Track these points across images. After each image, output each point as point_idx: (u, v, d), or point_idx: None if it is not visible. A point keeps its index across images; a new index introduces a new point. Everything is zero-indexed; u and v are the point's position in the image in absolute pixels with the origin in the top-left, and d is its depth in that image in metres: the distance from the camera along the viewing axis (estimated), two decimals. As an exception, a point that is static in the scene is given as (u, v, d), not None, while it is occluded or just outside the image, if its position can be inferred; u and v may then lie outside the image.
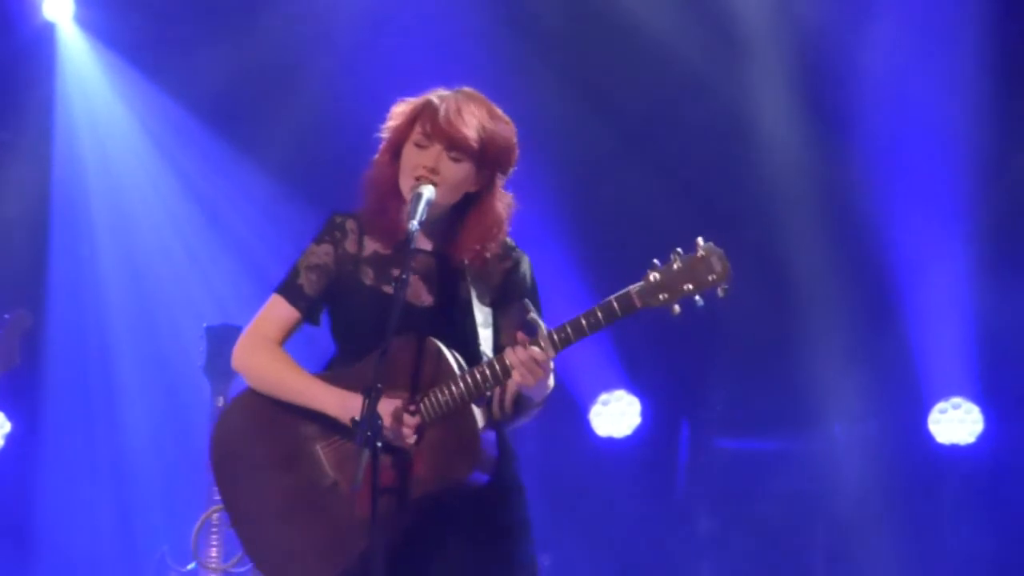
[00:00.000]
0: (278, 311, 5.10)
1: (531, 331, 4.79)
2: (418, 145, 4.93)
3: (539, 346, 4.75)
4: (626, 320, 4.79)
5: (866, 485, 9.26)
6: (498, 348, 4.93)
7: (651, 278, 4.75)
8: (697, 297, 4.72)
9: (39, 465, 9.69)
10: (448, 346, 4.90)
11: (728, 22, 9.16)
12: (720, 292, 4.72)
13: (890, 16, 9.06)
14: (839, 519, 9.30)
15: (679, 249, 4.74)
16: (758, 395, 9.42)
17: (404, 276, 4.76)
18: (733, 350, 9.44)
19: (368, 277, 5.04)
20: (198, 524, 7.42)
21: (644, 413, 9.65)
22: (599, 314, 4.76)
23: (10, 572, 9.51)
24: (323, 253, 5.09)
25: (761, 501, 9.42)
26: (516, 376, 4.77)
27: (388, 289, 4.98)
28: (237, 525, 5.03)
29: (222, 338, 8.62)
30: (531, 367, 4.75)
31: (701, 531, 9.53)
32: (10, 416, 9.64)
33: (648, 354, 9.51)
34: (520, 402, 4.94)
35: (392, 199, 4.98)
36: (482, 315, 5.00)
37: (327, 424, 4.92)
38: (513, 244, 5.10)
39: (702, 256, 4.73)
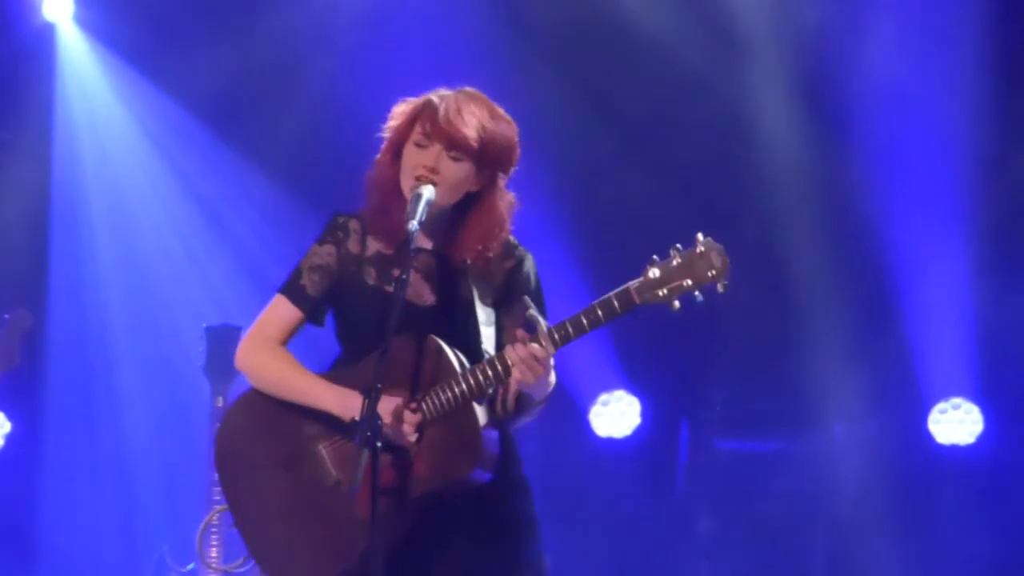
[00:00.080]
0: (281, 311, 5.11)
1: (531, 328, 4.79)
2: (418, 145, 4.94)
3: (539, 343, 4.75)
4: (626, 319, 4.79)
5: (866, 485, 9.26)
6: (501, 347, 4.93)
7: (650, 274, 4.74)
8: (696, 293, 4.72)
9: (39, 465, 9.68)
10: (450, 345, 4.91)
11: (728, 22, 9.16)
12: (720, 288, 4.71)
13: (890, 16, 9.05)
14: (839, 519, 9.30)
15: (678, 245, 4.74)
16: (758, 395, 9.41)
17: (404, 276, 4.77)
18: (733, 350, 9.44)
19: (371, 277, 5.06)
20: (202, 525, 7.41)
21: (644, 413, 9.65)
22: (598, 311, 4.76)
23: (10, 572, 9.50)
24: (325, 254, 5.10)
25: (761, 501, 9.42)
26: (516, 373, 4.77)
27: (390, 289, 4.99)
28: (240, 525, 5.04)
29: (222, 338, 8.63)
30: (531, 364, 4.76)
31: (701, 531, 9.52)
32: (10, 416, 9.64)
33: (648, 354, 9.51)
34: (522, 400, 4.94)
35: (393, 199, 4.98)
36: (484, 314, 5.01)
37: (330, 423, 4.93)
38: (516, 243, 5.11)
39: (701, 252, 4.72)
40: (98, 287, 9.69)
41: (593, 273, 8.83)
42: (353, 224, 5.10)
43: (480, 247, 5.00)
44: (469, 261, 5.01)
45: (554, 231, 8.93)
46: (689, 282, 4.71)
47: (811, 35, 9.12)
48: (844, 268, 9.21)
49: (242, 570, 5.21)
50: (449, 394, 4.84)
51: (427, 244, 5.03)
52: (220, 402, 8.58)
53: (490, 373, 4.82)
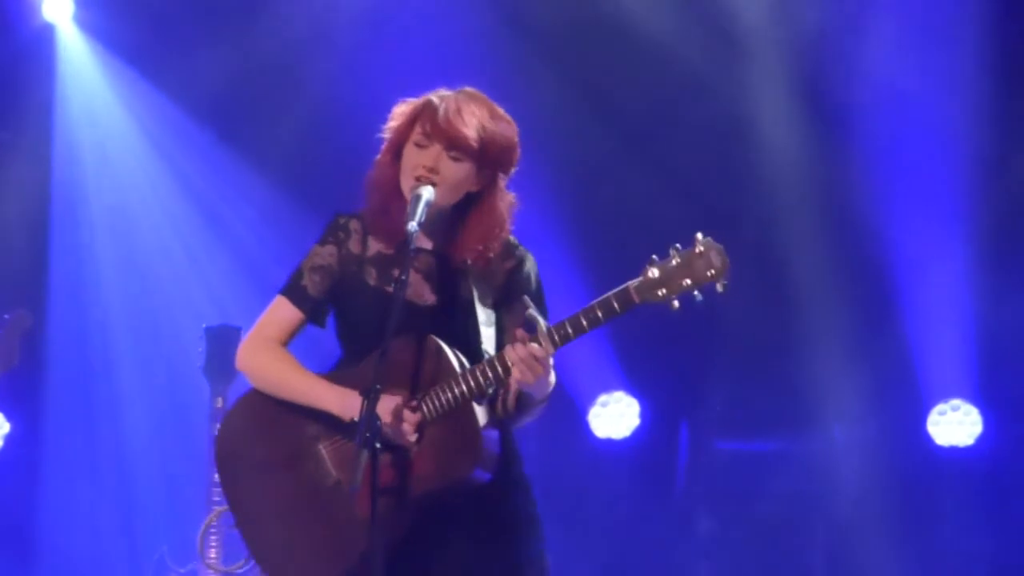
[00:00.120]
0: (282, 312, 5.11)
1: (531, 328, 4.79)
2: (418, 145, 4.94)
3: (538, 343, 4.75)
4: (625, 320, 4.79)
5: (865, 486, 9.26)
6: (502, 347, 4.92)
7: (649, 274, 4.73)
8: (696, 292, 4.71)
9: (38, 465, 9.68)
10: (450, 345, 4.91)
11: (727, 22, 9.17)
12: (719, 287, 4.70)
13: (890, 16, 9.06)
14: (838, 520, 9.30)
15: (677, 245, 4.74)
16: (757, 396, 9.41)
17: (403, 277, 4.76)
18: (732, 351, 9.44)
19: (371, 277, 5.06)
20: (204, 526, 7.42)
21: (643, 414, 9.65)
22: (598, 311, 4.75)
23: (10, 572, 9.50)
24: (327, 254, 5.10)
25: (760, 502, 9.42)
26: (516, 373, 4.76)
27: (391, 289, 4.98)
28: (240, 525, 5.04)
29: (221, 339, 8.63)
30: (530, 364, 4.75)
31: (700, 532, 9.52)
32: (9, 417, 9.64)
33: (647, 355, 9.51)
34: (522, 400, 4.94)
35: (394, 199, 4.98)
36: (484, 314, 5.00)
37: (330, 423, 4.93)
38: (516, 243, 5.10)
39: (700, 251, 4.71)
40: (98, 287, 9.69)
41: (593, 273, 8.82)
42: (354, 224, 5.10)
43: (480, 247, 4.99)
44: (469, 261, 5.01)
45: (554, 231, 8.92)
46: (688, 282, 4.70)
47: (811, 35, 9.12)
48: (844, 268, 9.21)
49: (242, 571, 5.22)
50: (449, 394, 4.84)
51: (427, 244, 5.03)
52: (220, 403, 8.58)
53: (490, 373, 4.81)
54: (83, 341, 9.69)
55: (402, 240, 4.89)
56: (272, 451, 5.01)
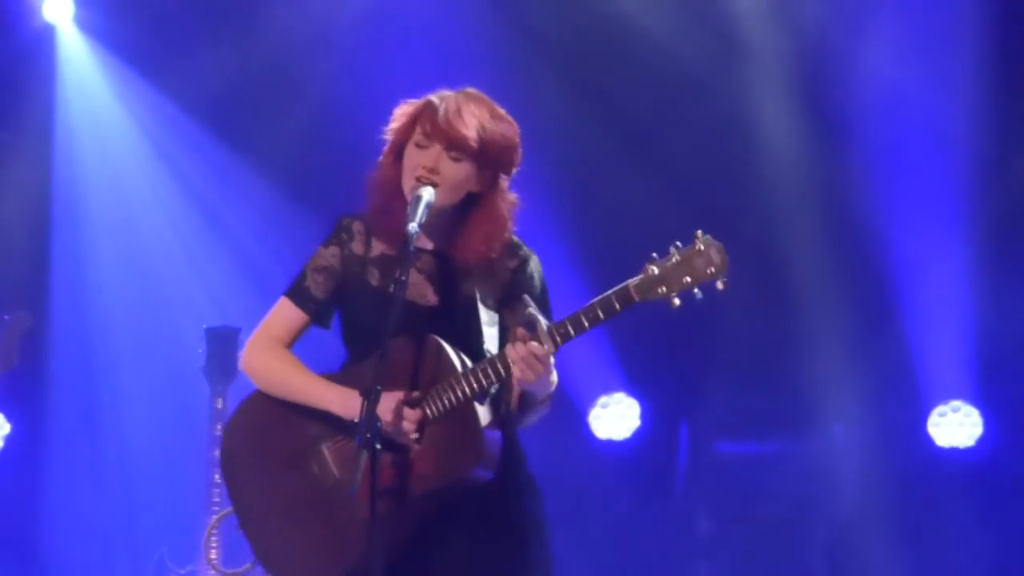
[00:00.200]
0: (285, 313, 5.12)
1: (531, 327, 4.79)
2: (419, 146, 4.94)
3: (538, 341, 4.75)
4: (625, 322, 4.79)
5: (866, 488, 9.26)
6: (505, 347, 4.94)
7: (649, 271, 4.73)
8: (696, 290, 4.71)
9: (38, 466, 9.68)
10: (452, 345, 4.91)
11: (727, 22, 9.17)
12: (720, 285, 4.70)
13: (890, 17, 9.06)
14: (838, 522, 9.30)
15: (678, 243, 4.74)
16: (758, 397, 9.41)
17: (403, 278, 4.77)
18: (732, 352, 9.44)
19: (374, 278, 5.06)
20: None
21: (643, 415, 9.65)
22: (598, 309, 4.75)
23: (9, 572, 9.50)
24: (330, 255, 5.11)
25: (761, 503, 9.42)
26: (516, 372, 4.76)
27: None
28: (244, 526, 5.05)
29: (221, 340, 8.64)
30: (531, 362, 4.75)
31: (700, 533, 9.52)
32: (9, 417, 9.64)
33: (647, 356, 9.51)
34: (525, 399, 4.95)
35: (396, 200, 4.98)
36: (487, 314, 5.00)
37: (333, 424, 4.94)
38: (520, 243, 5.10)
39: (700, 249, 4.71)
40: (98, 288, 9.69)
41: (593, 273, 8.82)
42: (357, 226, 5.10)
43: (483, 248, 4.99)
44: (472, 262, 5.01)
45: (554, 231, 8.92)
46: (688, 279, 4.70)
47: (811, 36, 9.13)
48: (844, 269, 9.21)
49: (246, 574, 5.22)
50: (450, 392, 4.84)
51: (428, 245, 5.03)
52: (220, 403, 8.59)
53: (490, 372, 4.81)
54: (83, 341, 9.68)
55: (404, 241, 4.89)
56: (276, 452, 5.01)
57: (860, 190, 9.13)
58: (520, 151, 5.04)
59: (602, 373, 9.59)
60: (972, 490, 9.23)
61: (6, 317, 7.63)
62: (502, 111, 5.01)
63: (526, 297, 4.90)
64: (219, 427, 8.46)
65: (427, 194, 4.88)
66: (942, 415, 9.29)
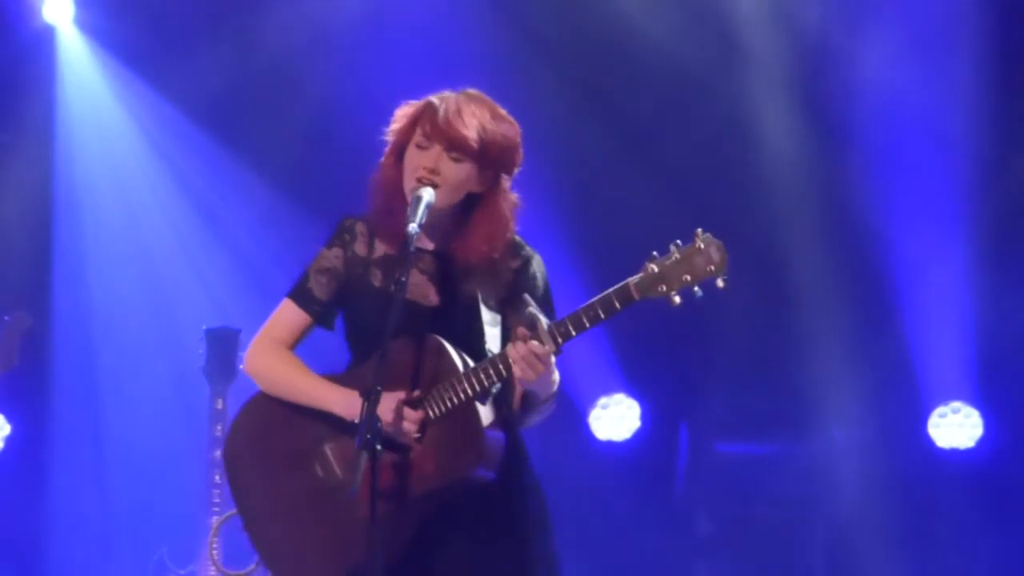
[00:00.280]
0: (288, 315, 5.13)
1: (531, 326, 4.79)
2: (419, 146, 4.95)
3: (539, 340, 4.75)
4: (625, 323, 4.79)
5: (866, 489, 9.26)
6: (508, 347, 4.95)
7: (649, 270, 4.73)
8: (696, 288, 4.71)
9: (38, 467, 9.68)
10: (454, 345, 4.91)
11: (727, 23, 9.18)
12: (720, 283, 4.70)
13: (889, 18, 9.07)
14: (838, 523, 9.30)
15: (678, 241, 4.74)
16: (757, 398, 9.41)
17: (403, 279, 4.77)
18: (732, 353, 9.44)
19: (377, 279, 5.07)
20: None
21: (643, 416, 9.65)
22: (598, 308, 4.75)
23: (10, 573, 9.50)
24: (333, 257, 5.11)
25: (760, 504, 9.42)
26: (517, 371, 4.77)
27: (396, 291, 5.00)
28: (248, 526, 5.06)
29: (221, 340, 8.65)
30: (531, 362, 4.75)
31: (700, 534, 9.52)
32: (9, 418, 9.64)
33: (647, 357, 9.51)
34: (527, 399, 4.96)
35: (397, 201, 4.99)
36: (489, 315, 5.01)
37: (336, 424, 4.94)
38: (523, 243, 5.11)
39: (700, 247, 4.71)
40: (98, 289, 9.69)
41: (593, 273, 8.82)
42: (360, 227, 5.11)
43: (485, 248, 5.00)
44: (474, 262, 5.01)
45: (554, 231, 8.92)
46: (688, 277, 4.70)
47: (811, 36, 9.13)
48: (844, 269, 9.21)
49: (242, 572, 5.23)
50: (451, 392, 4.84)
51: (430, 245, 5.04)
52: (220, 404, 8.59)
53: (491, 372, 4.82)
54: (83, 342, 9.68)
55: (404, 242, 4.89)
56: (279, 453, 5.02)
57: (860, 190, 9.13)
58: (521, 151, 5.05)
59: (602, 374, 9.59)
60: (972, 491, 9.23)
61: (6, 317, 7.63)
62: (503, 111, 5.02)
63: (526, 296, 4.90)
64: (219, 428, 8.46)
65: (427, 195, 4.88)
66: (942, 416, 9.29)
